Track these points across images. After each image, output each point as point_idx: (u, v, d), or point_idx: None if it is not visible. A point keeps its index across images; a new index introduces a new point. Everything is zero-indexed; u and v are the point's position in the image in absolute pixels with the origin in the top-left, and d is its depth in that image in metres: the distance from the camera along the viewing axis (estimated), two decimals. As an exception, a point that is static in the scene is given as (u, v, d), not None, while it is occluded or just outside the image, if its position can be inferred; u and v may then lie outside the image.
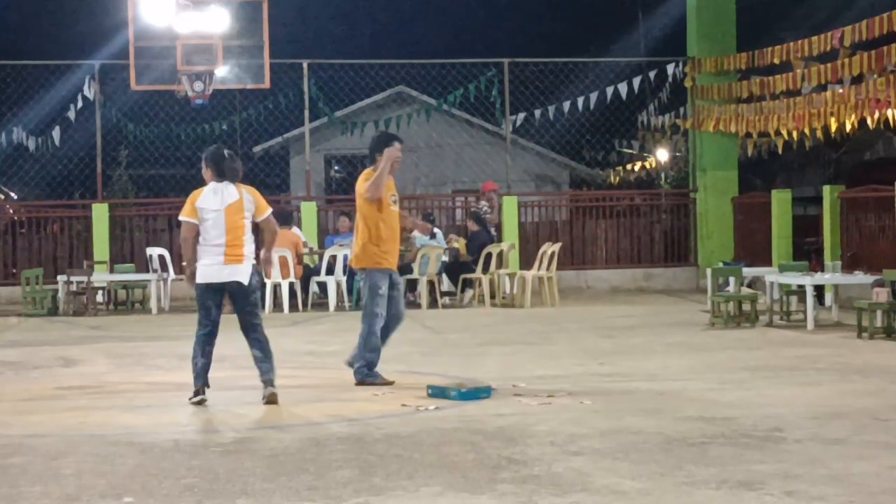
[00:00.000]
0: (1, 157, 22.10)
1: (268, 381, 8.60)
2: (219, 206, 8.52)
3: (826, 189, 18.25)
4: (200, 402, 8.44)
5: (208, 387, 8.58)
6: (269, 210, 8.70)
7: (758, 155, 22.43)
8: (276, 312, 16.87)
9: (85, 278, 17.56)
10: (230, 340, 13.26)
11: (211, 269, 8.52)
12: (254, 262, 8.62)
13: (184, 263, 8.90)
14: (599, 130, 24.33)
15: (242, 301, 8.59)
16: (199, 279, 8.55)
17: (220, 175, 8.62)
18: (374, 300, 9.34)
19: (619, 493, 5.54)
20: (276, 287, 17.07)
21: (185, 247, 8.64)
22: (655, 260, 21.66)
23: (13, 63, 20.91)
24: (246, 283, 8.54)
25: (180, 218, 8.70)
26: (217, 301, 8.61)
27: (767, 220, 19.74)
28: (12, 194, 27.59)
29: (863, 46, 16.73)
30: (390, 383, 9.22)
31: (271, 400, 8.48)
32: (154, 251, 18.87)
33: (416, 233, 18.76)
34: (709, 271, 15.51)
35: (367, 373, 9.32)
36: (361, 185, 9.33)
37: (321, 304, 17.52)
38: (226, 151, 8.74)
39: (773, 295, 14.36)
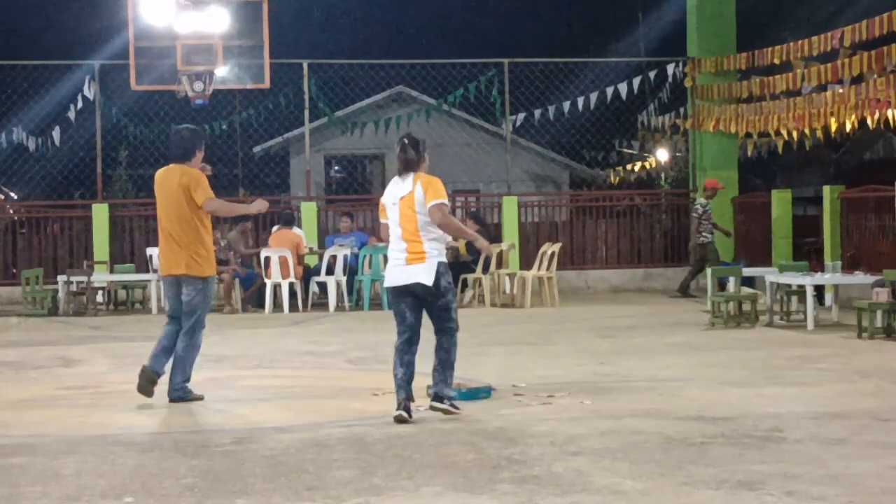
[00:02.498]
0: (1, 157, 22.10)
1: (433, 395, 7.79)
2: (395, 199, 7.78)
3: (826, 189, 18.24)
4: (400, 419, 7.49)
5: (412, 400, 7.63)
6: (438, 200, 7.65)
7: (758, 155, 22.44)
8: (276, 312, 16.88)
9: (85, 278, 17.56)
10: (230, 340, 13.30)
11: (393, 270, 7.78)
12: (441, 260, 7.69)
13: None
14: (599, 130, 24.32)
15: (430, 303, 7.75)
16: (386, 282, 7.89)
17: (402, 166, 7.83)
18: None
19: (619, 493, 5.54)
20: (277, 287, 17.07)
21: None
22: (655, 260, 21.65)
23: (13, 63, 20.91)
24: (429, 283, 7.62)
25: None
26: (408, 304, 7.74)
27: (767, 220, 19.74)
28: (12, 194, 27.58)
29: (863, 46, 16.73)
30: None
31: (434, 407, 7.73)
32: (154, 251, 18.83)
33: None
34: (709, 271, 15.51)
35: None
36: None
37: (321, 304, 17.53)
38: (405, 140, 7.88)
39: (773, 295, 14.36)
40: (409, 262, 7.63)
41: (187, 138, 8.77)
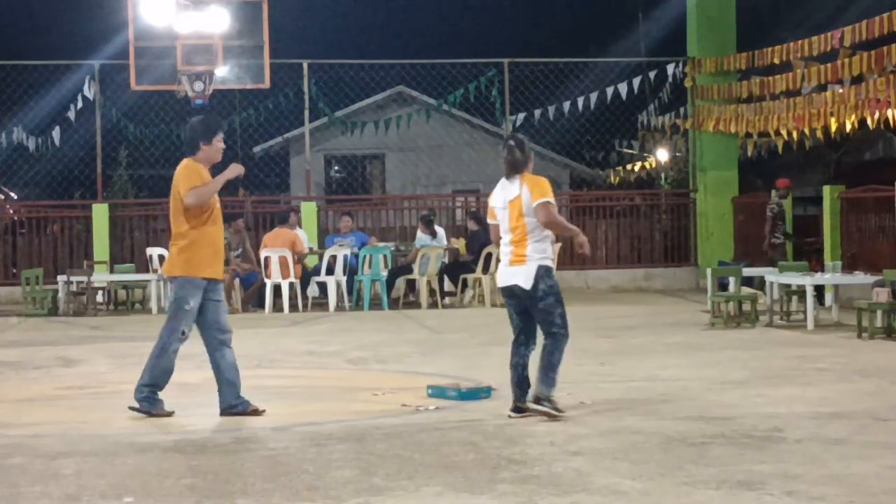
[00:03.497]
0: (1, 157, 22.10)
1: (533, 396, 7.65)
2: (503, 202, 7.79)
3: (826, 189, 18.25)
4: (510, 416, 7.63)
5: (521, 401, 7.65)
6: (543, 199, 7.59)
7: (758, 155, 22.44)
8: (276, 312, 16.88)
9: (85, 278, 17.56)
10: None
11: (501, 270, 7.80)
12: (542, 264, 7.62)
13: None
14: (599, 130, 24.33)
15: (531, 306, 7.67)
16: (497, 283, 7.92)
17: (509, 168, 7.83)
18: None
19: (619, 493, 5.54)
20: (277, 287, 17.08)
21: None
22: (655, 260, 21.66)
23: (13, 63, 20.91)
24: (527, 287, 7.57)
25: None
26: (513, 305, 7.74)
27: (768, 220, 19.71)
28: (12, 194, 27.57)
29: (863, 46, 16.73)
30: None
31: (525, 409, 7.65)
32: (154, 251, 18.87)
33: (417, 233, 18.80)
34: (709, 271, 15.51)
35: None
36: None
37: (321, 303, 17.52)
38: (510, 142, 7.89)
39: (773, 295, 14.36)
40: (511, 264, 7.68)
41: (192, 129, 8.12)
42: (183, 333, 7.99)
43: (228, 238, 17.80)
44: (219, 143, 8.08)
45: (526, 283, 7.55)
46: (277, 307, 17.10)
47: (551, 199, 7.67)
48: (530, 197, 7.59)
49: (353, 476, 5.99)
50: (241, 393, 8.06)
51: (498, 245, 7.91)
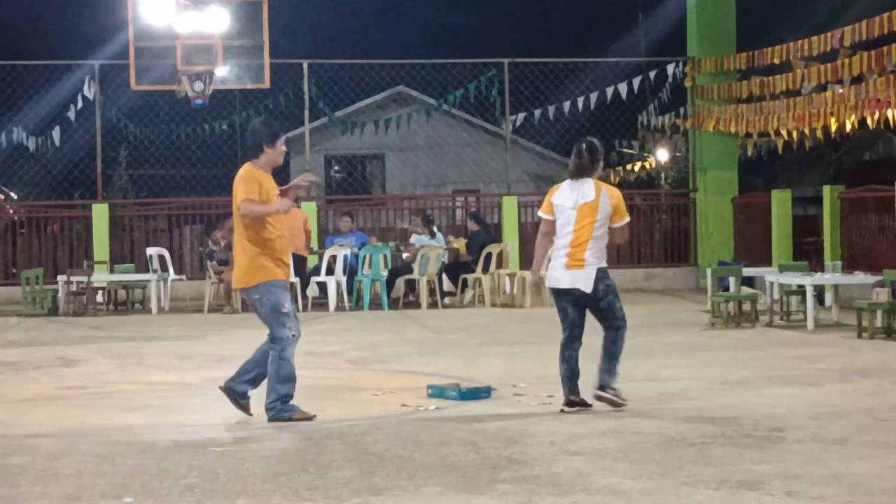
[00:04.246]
0: (1, 157, 22.10)
1: (598, 385, 7.91)
2: (573, 203, 7.92)
3: (826, 189, 18.24)
4: (562, 411, 7.84)
5: (575, 395, 7.90)
6: (627, 219, 7.99)
7: (758, 155, 22.44)
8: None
9: (85, 278, 17.56)
10: (230, 340, 13.30)
11: (555, 272, 7.94)
12: (600, 266, 7.86)
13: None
14: (599, 130, 24.30)
15: (592, 306, 7.94)
16: (548, 282, 8.09)
17: (576, 171, 8.03)
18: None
19: (619, 493, 5.54)
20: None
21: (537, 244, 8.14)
22: (655, 260, 21.65)
23: (13, 63, 20.90)
24: (588, 290, 7.81)
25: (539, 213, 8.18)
26: (569, 302, 7.93)
27: (767, 220, 19.73)
28: (12, 194, 27.57)
29: (863, 46, 16.72)
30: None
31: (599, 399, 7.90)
32: (154, 251, 18.87)
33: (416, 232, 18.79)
34: (709, 271, 15.51)
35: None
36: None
37: (321, 303, 17.52)
38: (581, 145, 8.12)
39: (773, 295, 14.35)
40: (569, 268, 7.86)
41: (255, 131, 7.87)
42: (293, 336, 7.70)
43: (227, 238, 17.81)
44: (282, 147, 7.85)
45: (587, 287, 7.81)
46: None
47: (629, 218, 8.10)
48: (612, 213, 7.89)
49: (353, 476, 5.99)
50: (250, 392, 7.91)
51: (551, 239, 8.02)
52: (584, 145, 8.09)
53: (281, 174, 30.13)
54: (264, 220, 7.68)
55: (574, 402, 7.89)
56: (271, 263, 7.70)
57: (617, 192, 8.05)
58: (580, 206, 7.84)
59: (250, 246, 7.69)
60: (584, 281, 7.80)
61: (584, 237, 7.81)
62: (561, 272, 7.88)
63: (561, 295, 7.95)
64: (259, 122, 8.07)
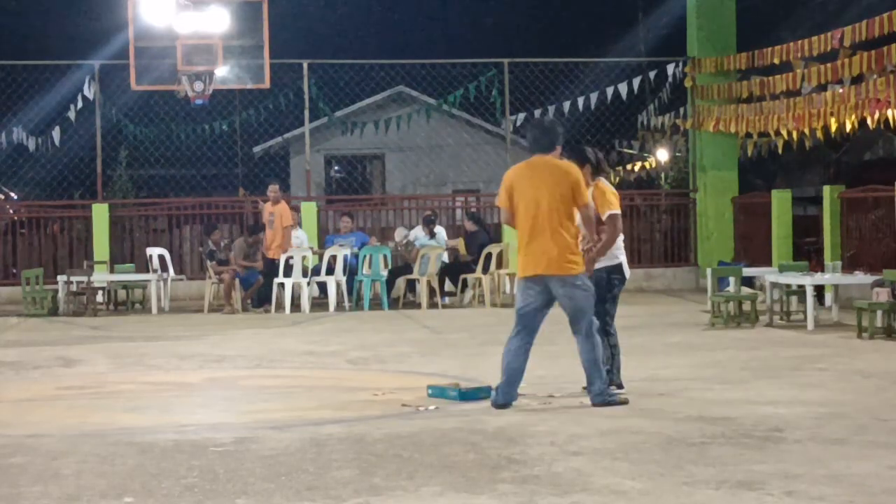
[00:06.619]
0: (1, 157, 22.10)
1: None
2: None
3: (826, 189, 18.24)
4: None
5: (620, 386, 8.57)
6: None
7: (758, 155, 22.42)
8: (277, 312, 16.88)
9: (85, 278, 17.56)
10: (230, 340, 13.31)
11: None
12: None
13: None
14: (599, 130, 24.31)
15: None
16: (627, 275, 8.80)
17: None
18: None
19: (619, 493, 5.54)
20: (280, 286, 17.10)
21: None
22: (655, 260, 21.65)
23: (13, 63, 20.90)
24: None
25: (614, 212, 8.57)
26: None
27: (767, 220, 19.74)
28: (12, 194, 27.58)
29: (863, 46, 16.72)
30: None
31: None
32: (154, 251, 18.87)
33: (415, 233, 18.78)
34: (709, 271, 15.51)
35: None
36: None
37: (321, 304, 17.52)
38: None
39: (773, 295, 14.35)
40: None
41: (552, 128, 8.26)
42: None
43: (238, 245, 17.80)
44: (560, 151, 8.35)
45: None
46: (278, 307, 17.10)
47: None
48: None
49: (353, 476, 5.99)
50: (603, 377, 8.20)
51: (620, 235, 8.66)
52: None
53: (281, 174, 30.13)
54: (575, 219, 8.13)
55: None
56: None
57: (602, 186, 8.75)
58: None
59: (573, 241, 8.09)
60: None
61: None
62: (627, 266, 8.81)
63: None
64: (554, 122, 8.68)
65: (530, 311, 8.18)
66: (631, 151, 29.79)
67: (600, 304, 8.40)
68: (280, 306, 17.07)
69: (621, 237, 8.65)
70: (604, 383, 8.07)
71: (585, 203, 8.11)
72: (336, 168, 34.28)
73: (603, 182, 8.73)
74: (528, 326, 8.20)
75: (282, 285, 17.13)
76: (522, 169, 8.21)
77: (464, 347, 12.28)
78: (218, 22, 17.94)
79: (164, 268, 18.62)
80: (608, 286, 8.62)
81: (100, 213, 19.99)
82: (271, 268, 17.19)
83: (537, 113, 22.20)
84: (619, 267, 8.62)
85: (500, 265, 17.92)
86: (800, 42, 18.31)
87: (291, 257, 17.10)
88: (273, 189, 17.92)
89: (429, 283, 17.45)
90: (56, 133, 20.90)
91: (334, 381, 9.92)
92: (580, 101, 21.92)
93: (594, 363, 8.04)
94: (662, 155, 28.96)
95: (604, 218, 8.45)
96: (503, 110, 21.45)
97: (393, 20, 42.46)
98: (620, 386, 8.56)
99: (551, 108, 22.10)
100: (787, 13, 30.07)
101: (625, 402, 8.05)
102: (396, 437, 7.01)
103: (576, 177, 8.09)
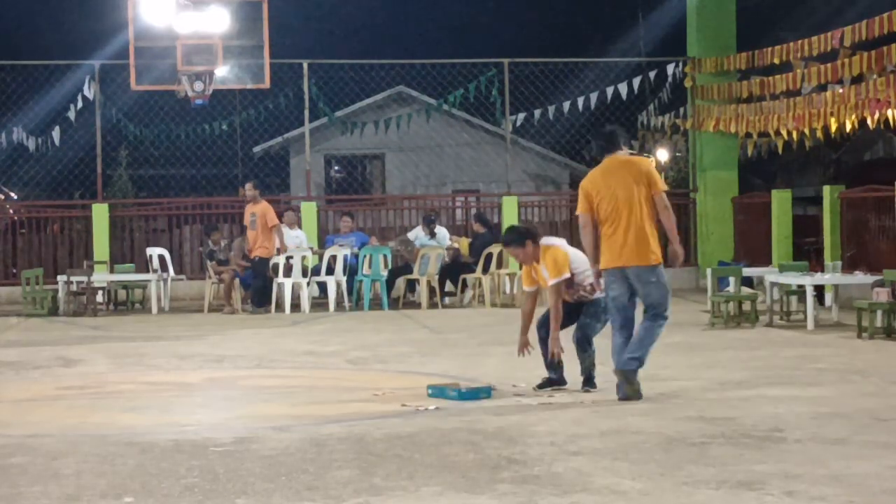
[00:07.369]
0: (1, 157, 22.10)
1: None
2: None
3: (826, 189, 18.25)
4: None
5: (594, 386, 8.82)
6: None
7: (758, 155, 22.43)
8: (277, 312, 16.88)
9: (85, 278, 17.56)
10: (230, 340, 13.31)
11: None
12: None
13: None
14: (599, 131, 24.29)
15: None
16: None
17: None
18: None
19: (619, 493, 5.54)
20: (280, 286, 17.10)
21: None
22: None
23: (13, 63, 20.91)
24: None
25: (557, 280, 8.75)
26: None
27: (767, 220, 19.74)
28: (12, 194, 27.57)
29: (863, 46, 16.73)
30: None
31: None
32: (154, 251, 18.87)
33: (415, 233, 18.78)
34: (709, 271, 15.51)
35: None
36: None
37: (321, 304, 17.52)
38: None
39: (773, 295, 14.35)
40: None
41: (612, 133, 8.83)
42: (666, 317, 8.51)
43: (237, 246, 17.81)
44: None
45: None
46: (278, 307, 17.10)
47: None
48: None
49: (353, 476, 5.99)
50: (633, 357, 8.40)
51: None
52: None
53: (281, 174, 30.19)
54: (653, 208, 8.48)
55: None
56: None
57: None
58: None
59: (654, 230, 8.54)
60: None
61: None
62: None
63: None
64: (618, 127, 9.11)
65: (623, 302, 8.48)
66: (631, 151, 29.76)
67: (595, 322, 8.79)
68: (280, 306, 17.07)
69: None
70: (638, 362, 8.36)
71: (660, 189, 8.47)
72: (336, 168, 34.29)
73: (553, 247, 8.84)
74: (626, 317, 8.50)
75: (282, 285, 17.15)
76: (596, 173, 8.65)
77: (464, 347, 12.28)
78: (218, 22, 17.94)
79: (164, 268, 18.62)
80: (605, 311, 8.75)
81: (100, 213, 19.99)
82: (262, 266, 17.10)
83: (537, 113, 22.22)
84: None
85: (500, 265, 17.91)
86: (800, 42, 18.31)
87: (291, 257, 17.10)
88: (248, 188, 17.69)
89: (429, 283, 17.45)
90: (56, 133, 20.90)
91: (334, 381, 9.92)
92: (580, 101, 21.92)
93: (642, 342, 8.35)
94: (662, 155, 28.97)
95: (550, 284, 8.69)
96: (503, 110, 21.45)
97: (393, 20, 42.48)
98: (594, 386, 8.79)
99: (551, 108, 22.11)
100: (787, 13, 30.08)
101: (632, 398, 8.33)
102: (396, 437, 7.01)
103: (647, 167, 8.62)
